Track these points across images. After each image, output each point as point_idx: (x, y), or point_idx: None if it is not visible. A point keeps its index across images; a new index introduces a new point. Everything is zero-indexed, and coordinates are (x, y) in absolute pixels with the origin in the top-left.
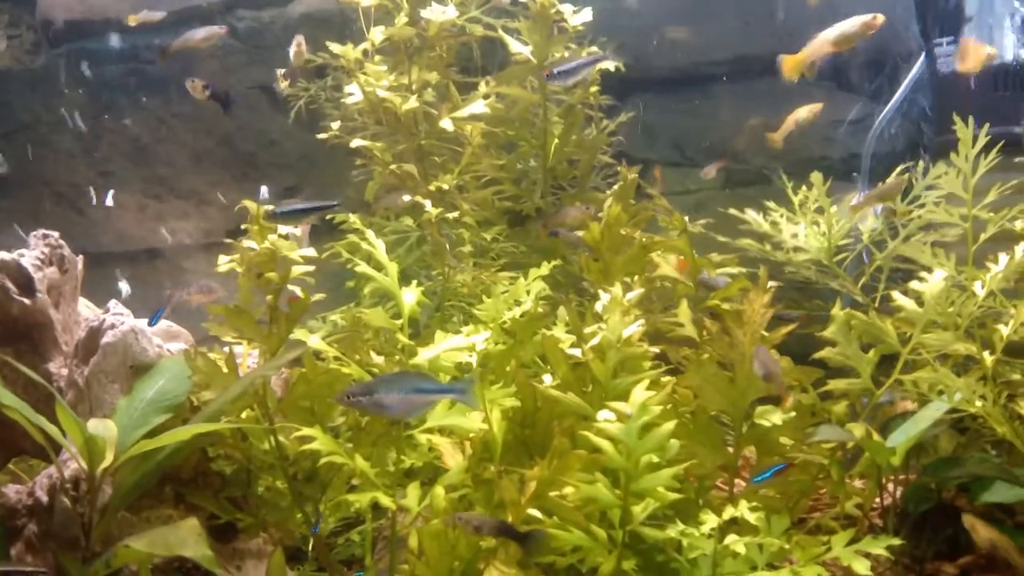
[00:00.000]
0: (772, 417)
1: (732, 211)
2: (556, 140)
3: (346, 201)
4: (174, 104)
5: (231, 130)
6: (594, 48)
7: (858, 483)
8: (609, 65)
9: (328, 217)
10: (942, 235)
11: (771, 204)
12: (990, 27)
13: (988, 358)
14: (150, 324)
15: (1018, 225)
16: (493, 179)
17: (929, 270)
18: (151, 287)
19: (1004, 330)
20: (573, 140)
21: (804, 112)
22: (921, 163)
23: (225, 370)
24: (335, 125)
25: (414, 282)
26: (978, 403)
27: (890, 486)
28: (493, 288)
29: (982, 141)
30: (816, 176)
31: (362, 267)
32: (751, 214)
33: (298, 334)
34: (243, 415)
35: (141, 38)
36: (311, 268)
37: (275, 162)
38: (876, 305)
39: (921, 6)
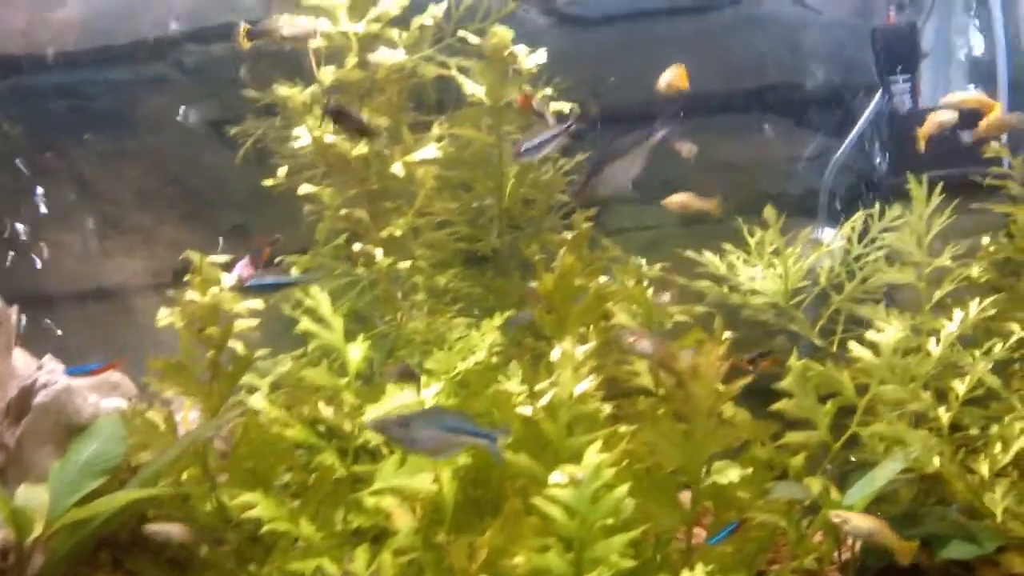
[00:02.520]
0: (729, 473)
1: (689, 253)
2: (512, 181)
3: (297, 240)
4: (119, 140)
5: (178, 167)
6: (548, 90)
7: (818, 537)
8: (564, 107)
9: (277, 260)
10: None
11: (728, 245)
12: (946, 65)
13: (944, 415)
14: (83, 373)
15: (975, 271)
16: (447, 221)
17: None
18: (100, 327)
19: (960, 387)
20: (529, 180)
21: None
22: (877, 203)
23: (163, 429)
24: (281, 171)
25: (360, 336)
26: (935, 460)
27: (850, 540)
28: (448, 334)
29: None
30: (770, 213)
31: (305, 323)
32: (708, 255)
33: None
34: (184, 475)
35: (84, 73)
36: (254, 322)
37: (224, 200)
38: (835, 349)
39: (876, 43)
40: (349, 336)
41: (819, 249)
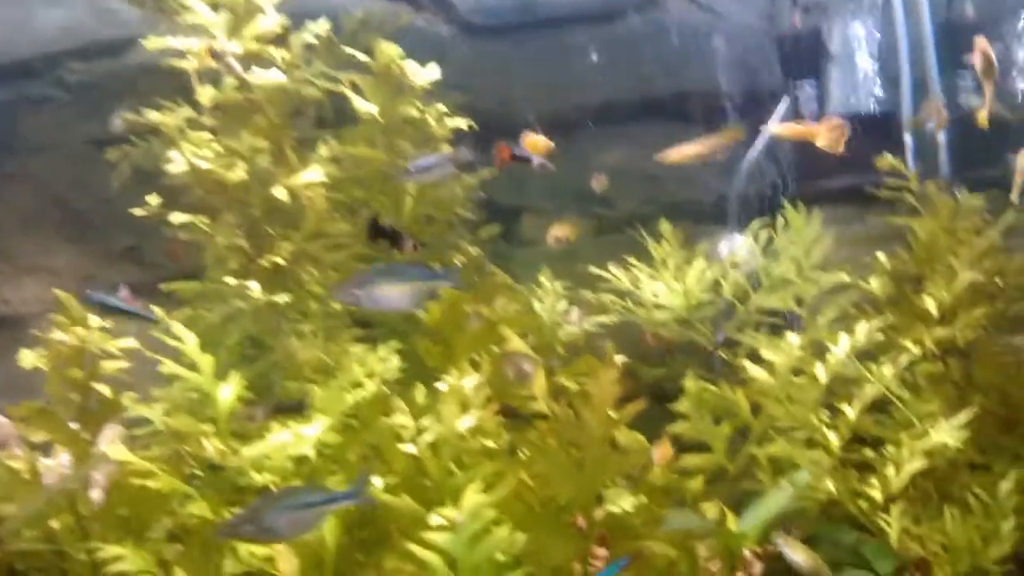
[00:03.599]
0: (623, 502)
1: (592, 269)
2: (410, 198)
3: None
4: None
5: (63, 189)
6: (440, 106)
7: (715, 565)
8: (463, 124)
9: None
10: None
11: (633, 259)
12: (852, 71)
13: (834, 441)
14: None
15: (874, 284)
16: (343, 243)
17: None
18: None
19: (849, 412)
20: (428, 198)
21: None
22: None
23: (28, 479)
24: (153, 199)
25: (233, 374)
26: (828, 484)
27: (756, 563)
28: (343, 360)
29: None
30: (666, 227)
31: (169, 366)
32: (612, 270)
33: None
34: (56, 524)
35: None
36: (125, 364)
37: (114, 222)
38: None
39: (782, 49)
40: (233, 367)
41: (725, 261)
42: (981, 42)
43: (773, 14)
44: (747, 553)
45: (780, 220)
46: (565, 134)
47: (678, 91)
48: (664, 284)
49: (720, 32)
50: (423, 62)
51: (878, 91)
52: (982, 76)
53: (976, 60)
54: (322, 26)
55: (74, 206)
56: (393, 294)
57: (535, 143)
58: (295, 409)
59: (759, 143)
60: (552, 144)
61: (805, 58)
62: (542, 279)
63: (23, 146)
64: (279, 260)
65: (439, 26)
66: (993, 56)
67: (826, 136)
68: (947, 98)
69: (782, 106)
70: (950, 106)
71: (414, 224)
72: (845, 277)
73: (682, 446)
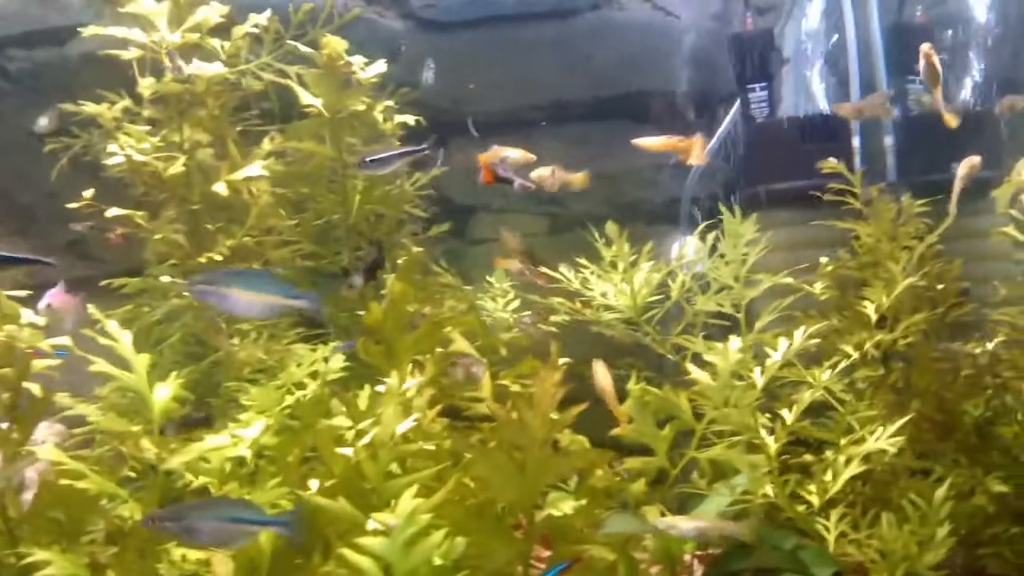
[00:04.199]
0: (563, 506)
1: (543, 269)
2: (358, 195)
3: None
4: None
5: (5, 181)
6: (390, 103)
7: (655, 569)
8: (409, 119)
9: (104, 283)
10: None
11: (583, 259)
12: (804, 74)
13: (771, 444)
14: None
15: (817, 288)
16: (289, 239)
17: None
18: None
19: (787, 416)
20: (377, 195)
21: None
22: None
23: None
24: (87, 193)
25: (173, 374)
26: (767, 488)
27: (697, 567)
28: (286, 360)
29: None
30: (612, 228)
31: (100, 365)
32: (562, 271)
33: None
34: None
35: None
36: (56, 361)
37: (57, 214)
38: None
39: (733, 50)
40: (177, 365)
41: (673, 262)
42: (926, 48)
43: (726, 15)
44: (687, 557)
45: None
46: (518, 132)
47: (631, 90)
48: (612, 285)
49: (674, 32)
50: (375, 57)
51: (828, 94)
52: (928, 82)
53: (921, 66)
54: (265, 17)
55: (15, 198)
56: (243, 301)
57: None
58: (203, 423)
59: (711, 144)
60: (532, 157)
61: (757, 60)
62: (492, 279)
63: None
64: (217, 257)
65: (392, 20)
66: (937, 62)
67: (687, 151)
68: (896, 101)
69: (734, 108)
70: (899, 109)
71: (362, 222)
72: (789, 280)
73: (624, 449)
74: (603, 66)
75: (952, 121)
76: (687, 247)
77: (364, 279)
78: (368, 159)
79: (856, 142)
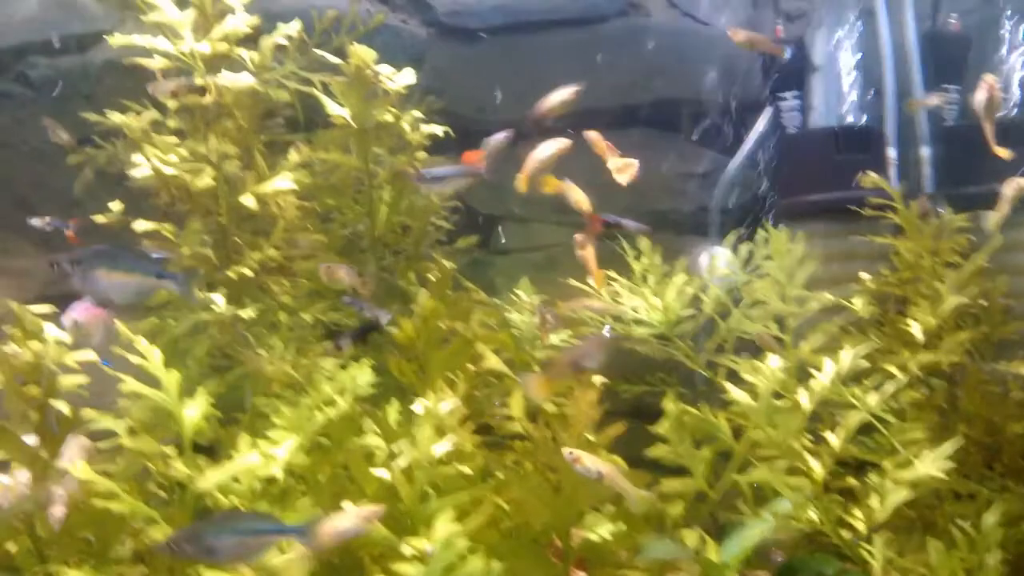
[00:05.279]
0: (601, 529)
1: (572, 281)
2: (384, 207)
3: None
4: None
5: (27, 190)
6: (417, 114)
7: None
8: (438, 131)
9: None
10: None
11: (612, 272)
12: (837, 82)
13: (817, 470)
14: None
15: (857, 304)
16: (316, 252)
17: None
18: None
19: (833, 440)
20: (404, 206)
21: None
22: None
23: None
24: (116, 206)
25: (199, 390)
26: (811, 512)
27: None
28: (315, 375)
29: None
30: (645, 243)
31: (130, 384)
32: (591, 284)
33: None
34: (12, 547)
35: None
36: (83, 379)
37: (81, 224)
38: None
39: (765, 59)
40: (202, 378)
41: (705, 274)
42: (990, 79)
43: (756, 23)
44: None
45: (761, 235)
46: (543, 139)
47: (659, 98)
48: (644, 300)
49: (702, 40)
50: (399, 64)
51: (862, 103)
52: (985, 114)
53: (980, 97)
54: (294, 27)
55: (38, 208)
56: (113, 283)
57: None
58: (206, 451)
59: (741, 153)
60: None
61: (787, 69)
62: (520, 292)
63: None
64: (246, 271)
65: (416, 27)
66: (999, 95)
67: (618, 170)
68: (930, 112)
69: (764, 116)
70: (934, 119)
71: (389, 234)
72: (829, 298)
73: (663, 469)
74: (630, 73)
75: (1005, 154)
76: (718, 259)
77: (353, 341)
78: (427, 175)
79: (892, 153)
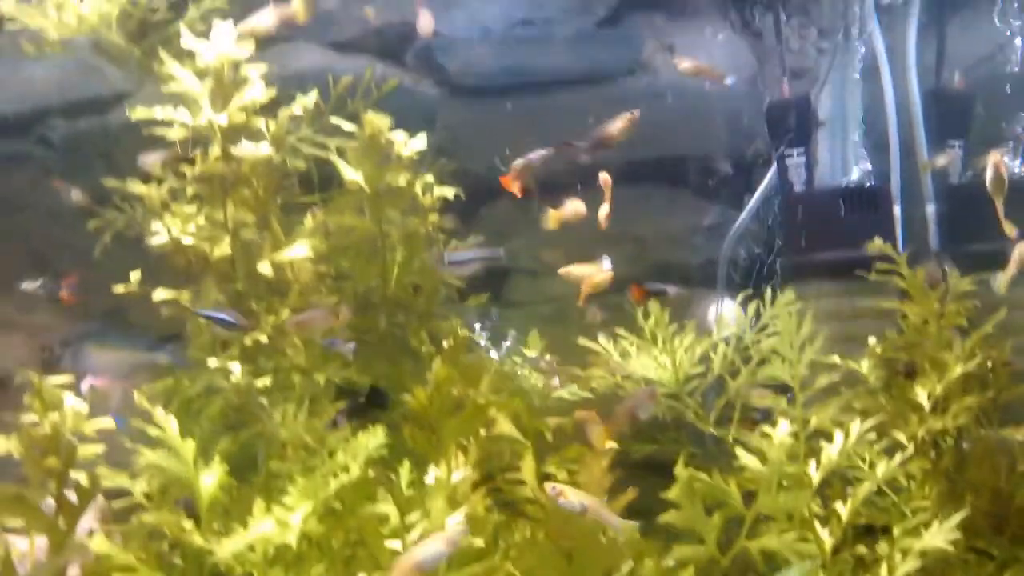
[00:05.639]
0: None
1: (582, 341)
2: (396, 268)
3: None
4: None
5: (47, 249)
6: (429, 178)
7: None
8: (448, 193)
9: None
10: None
11: (622, 330)
12: (843, 138)
13: (827, 538)
14: None
15: (864, 367)
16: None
17: None
18: None
19: (842, 510)
20: (416, 266)
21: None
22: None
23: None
24: (135, 276)
25: (216, 458)
26: None
27: None
28: (328, 440)
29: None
30: (655, 307)
31: (147, 455)
32: (602, 341)
33: None
34: None
35: None
36: (101, 448)
37: (97, 283)
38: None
39: (771, 116)
40: (216, 437)
41: (714, 331)
42: (996, 158)
43: (762, 80)
44: None
45: (769, 293)
46: (553, 195)
47: (666, 155)
48: (653, 360)
49: (708, 97)
50: (411, 123)
51: (866, 160)
52: (993, 191)
53: (989, 175)
54: (310, 97)
55: (56, 267)
56: (104, 361)
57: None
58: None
59: (748, 209)
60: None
61: (794, 125)
62: (530, 350)
63: (3, 204)
64: (262, 338)
65: (428, 88)
66: (1006, 173)
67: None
68: (935, 169)
69: (770, 173)
70: (939, 177)
71: (401, 293)
72: (836, 360)
73: (673, 535)
74: (639, 130)
75: (1011, 230)
76: (726, 315)
77: (348, 418)
78: (449, 260)
79: (897, 210)
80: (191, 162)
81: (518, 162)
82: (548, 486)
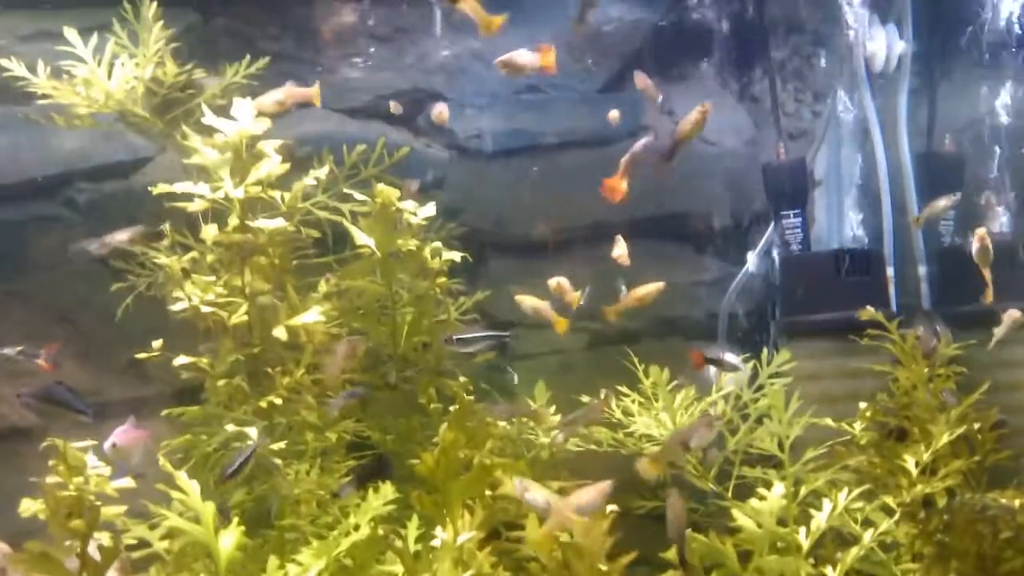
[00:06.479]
0: None
1: (584, 399)
2: (406, 327)
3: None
4: (8, 281)
5: (71, 307)
6: (438, 244)
7: None
8: (455, 256)
9: (164, 413)
10: None
11: (624, 387)
12: (837, 198)
13: None
14: None
15: (857, 429)
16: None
17: None
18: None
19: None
20: (425, 325)
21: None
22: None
23: None
24: (157, 344)
25: (235, 520)
26: None
27: None
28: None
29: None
30: (655, 371)
31: (171, 519)
32: (606, 398)
33: None
34: None
35: None
36: (123, 508)
37: (119, 338)
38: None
39: (767, 179)
40: (228, 493)
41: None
42: (981, 232)
43: (759, 141)
44: None
45: (766, 352)
46: (558, 251)
47: (666, 213)
48: (653, 419)
49: (708, 158)
50: (422, 182)
51: (860, 222)
52: (979, 262)
53: (975, 248)
54: (324, 170)
55: (79, 323)
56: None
57: None
58: None
59: (747, 265)
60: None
61: (790, 188)
62: (535, 404)
63: (31, 264)
64: (276, 400)
65: (438, 150)
66: (990, 246)
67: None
68: (926, 230)
69: (767, 233)
70: (931, 238)
71: (411, 351)
72: (830, 423)
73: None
74: (639, 189)
75: (989, 296)
76: (727, 371)
77: (356, 487)
78: (455, 338)
79: (890, 271)
80: (160, 238)
81: (624, 158)
82: (515, 481)
